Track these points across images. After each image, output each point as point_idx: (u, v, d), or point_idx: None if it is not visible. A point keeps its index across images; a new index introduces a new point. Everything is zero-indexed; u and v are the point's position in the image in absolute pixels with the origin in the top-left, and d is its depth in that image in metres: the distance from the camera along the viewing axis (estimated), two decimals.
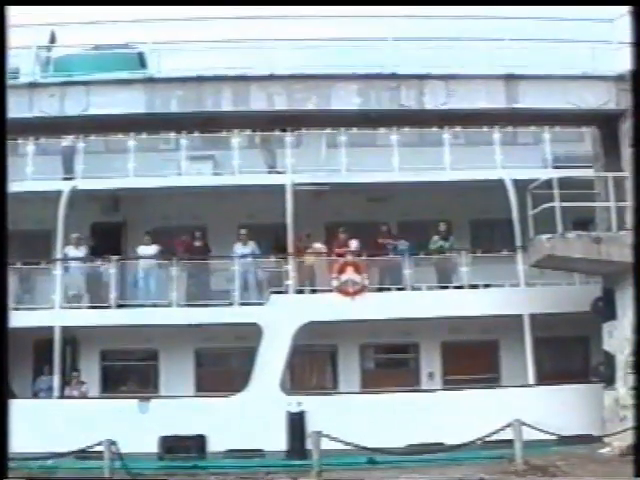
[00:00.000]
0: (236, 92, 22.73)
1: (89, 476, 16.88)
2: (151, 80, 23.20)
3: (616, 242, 18.00)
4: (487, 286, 22.57)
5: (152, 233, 23.38)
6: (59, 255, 22.86)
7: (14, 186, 22.06)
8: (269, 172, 24.13)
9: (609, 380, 19.61)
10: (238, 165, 23.72)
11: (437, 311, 21.57)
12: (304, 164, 23.51)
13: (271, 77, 21.64)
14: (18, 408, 20.52)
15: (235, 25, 19.72)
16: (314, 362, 24.27)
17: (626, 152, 18.64)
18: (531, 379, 21.48)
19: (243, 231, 23.19)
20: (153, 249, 23.09)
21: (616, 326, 19.19)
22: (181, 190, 23.02)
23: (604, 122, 20.19)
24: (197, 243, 23.46)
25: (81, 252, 23.27)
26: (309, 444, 18.61)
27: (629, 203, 16.46)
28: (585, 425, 19.71)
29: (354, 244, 23.15)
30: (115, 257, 22.93)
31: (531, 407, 19.82)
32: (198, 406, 21.31)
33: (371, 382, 23.26)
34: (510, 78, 20.09)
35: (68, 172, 23.86)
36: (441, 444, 19.25)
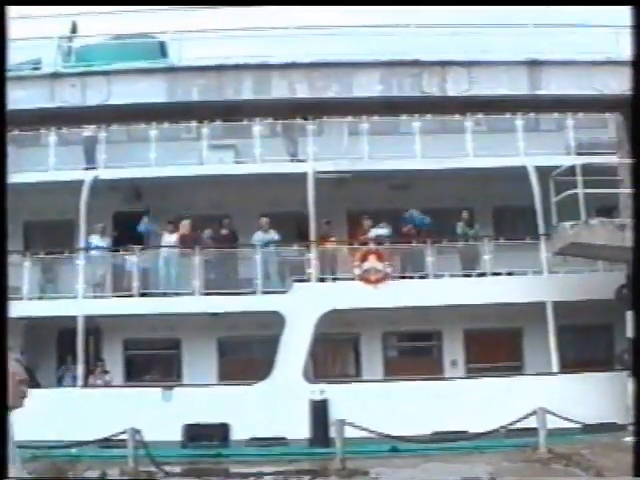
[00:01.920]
0: (257, 80, 22.66)
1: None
2: (172, 69, 23.18)
3: None
4: (510, 274, 22.48)
5: (174, 222, 23.33)
6: (82, 245, 22.92)
7: (36, 176, 22.21)
8: (291, 160, 24.07)
9: None
10: (260, 153, 23.67)
11: (460, 299, 21.50)
12: (326, 152, 23.45)
13: (292, 65, 21.56)
14: (42, 397, 20.74)
15: (256, 13, 19.67)
16: (337, 350, 24.28)
17: None
18: (555, 367, 21.38)
19: (265, 219, 23.16)
20: (175, 238, 23.06)
21: None
22: (203, 179, 22.99)
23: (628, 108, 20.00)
24: (223, 231, 23.45)
25: (105, 242, 23.32)
26: (332, 432, 18.65)
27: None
28: (609, 413, 19.62)
29: (378, 231, 23.17)
30: (137, 246, 22.97)
31: (555, 395, 19.76)
32: (221, 394, 21.38)
33: (394, 370, 23.22)
34: (533, 64, 19.92)
35: (90, 162, 23.91)
36: (464, 432, 19.22)
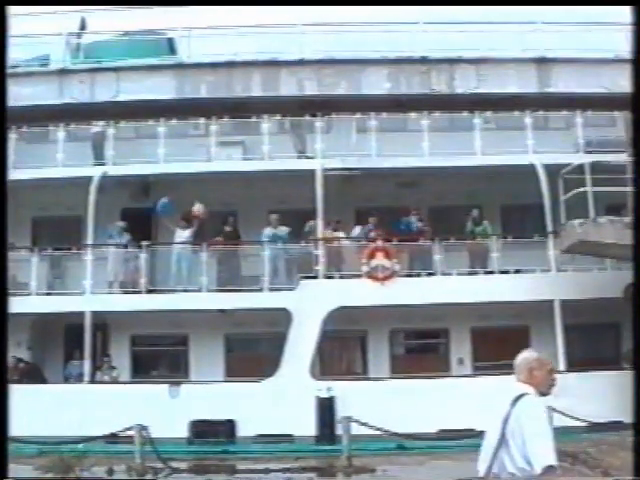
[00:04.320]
0: (266, 77, 22.67)
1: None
2: (181, 66, 23.23)
3: None
4: (518, 272, 22.41)
5: (187, 218, 23.21)
6: (90, 240, 22.90)
7: (45, 172, 22.27)
8: (299, 157, 23.99)
9: None
10: (268, 150, 23.58)
11: (467, 297, 21.45)
12: (334, 149, 23.35)
13: (301, 62, 21.59)
14: (49, 393, 20.78)
15: (265, 10, 19.68)
16: (344, 347, 24.26)
17: None
18: (562, 365, 21.29)
19: (274, 216, 23.12)
20: (188, 233, 22.98)
21: None
22: (211, 176, 22.94)
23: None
24: (227, 228, 23.43)
25: (124, 238, 23.27)
26: (339, 429, 18.65)
27: None
28: (616, 412, 19.52)
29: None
30: (145, 242, 22.96)
31: (562, 394, 19.61)
32: (228, 391, 21.37)
33: (401, 367, 23.18)
34: (542, 62, 19.89)
35: (98, 158, 23.87)
36: (471, 430, 19.16)
